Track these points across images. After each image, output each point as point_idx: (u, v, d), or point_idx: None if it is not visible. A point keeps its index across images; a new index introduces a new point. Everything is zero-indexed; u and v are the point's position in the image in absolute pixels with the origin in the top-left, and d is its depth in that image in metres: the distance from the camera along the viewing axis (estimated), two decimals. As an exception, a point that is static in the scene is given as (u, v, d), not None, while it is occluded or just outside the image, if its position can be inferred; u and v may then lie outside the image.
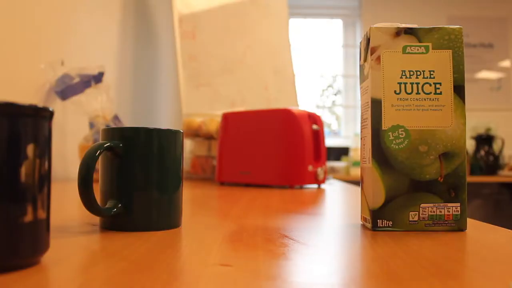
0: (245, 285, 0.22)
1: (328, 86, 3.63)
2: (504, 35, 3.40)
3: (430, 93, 0.40)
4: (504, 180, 2.83)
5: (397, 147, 0.40)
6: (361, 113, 0.44)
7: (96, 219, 0.43)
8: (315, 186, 1.08)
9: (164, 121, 2.28)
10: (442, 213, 0.40)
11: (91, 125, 1.08)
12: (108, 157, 0.38)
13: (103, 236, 0.35)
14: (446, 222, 0.40)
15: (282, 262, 0.27)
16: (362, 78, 0.43)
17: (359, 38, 3.47)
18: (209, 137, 1.33)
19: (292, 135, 1.00)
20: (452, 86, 0.40)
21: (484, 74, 3.40)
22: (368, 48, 0.41)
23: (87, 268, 0.25)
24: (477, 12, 3.41)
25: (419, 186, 0.40)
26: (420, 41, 0.41)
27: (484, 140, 2.91)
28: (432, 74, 0.40)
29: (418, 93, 0.40)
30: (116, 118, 1.11)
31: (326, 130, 3.48)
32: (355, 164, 2.86)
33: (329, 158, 3.01)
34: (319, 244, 0.34)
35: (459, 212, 0.40)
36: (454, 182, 0.40)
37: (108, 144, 0.37)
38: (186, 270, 0.25)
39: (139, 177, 0.38)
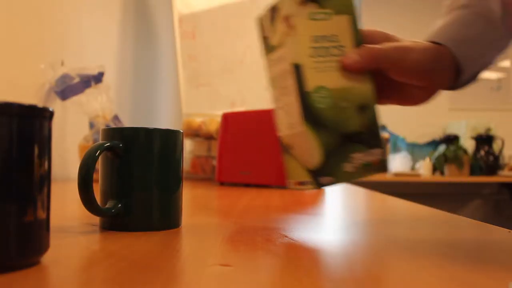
0: (245, 285, 0.22)
1: (328, 86, 3.63)
2: (504, 35, 3.40)
3: (336, 55, 0.43)
4: (504, 180, 2.83)
5: (323, 106, 0.42)
6: (275, 83, 0.45)
7: (96, 219, 0.43)
8: (315, 186, 1.08)
9: (164, 121, 2.28)
10: (370, 159, 0.43)
11: (91, 125, 1.08)
12: (108, 157, 0.38)
13: (103, 236, 0.35)
14: (375, 167, 0.44)
15: (282, 262, 0.27)
16: (269, 49, 0.45)
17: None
18: (209, 137, 1.33)
19: (292, 135, 0.99)
20: (354, 47, 0.44)
21: (484, 74, 3.39)
22: (274, 18, 0.43)
23: (87, 268, 0.25)
24: (477, 12, 3.41)
25: (347, 139, 0.43)
26: (323, 8, 0.43)
27: (484, 140, 2.91)
28: (336, 38, 0.43)
29: (328, 55, 0.43)
30: (116, 118, 1.11)
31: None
32: (355, 164, 2.85)
33: (329, 158, 3.01)
34: (319, 244, 0.34)
35: (382, 158, 0.44)
36: (372, 130, 0.44)
37: (108, 144, 0.37)
38: (186, 270, 0.25)
39: (139, 177, 0.38)
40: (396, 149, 3.16)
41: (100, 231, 0.37)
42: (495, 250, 0.33)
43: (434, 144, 3.19)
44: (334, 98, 0.42)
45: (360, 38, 0.44)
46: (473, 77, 0.53)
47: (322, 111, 0.42)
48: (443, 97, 3.33)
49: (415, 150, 3.22)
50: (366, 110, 0.44)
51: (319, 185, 0.42)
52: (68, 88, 1.02)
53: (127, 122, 1.67)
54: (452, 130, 3.17)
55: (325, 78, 0.42)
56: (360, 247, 0.33)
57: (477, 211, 3.22)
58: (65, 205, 0.57)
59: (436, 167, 2.91)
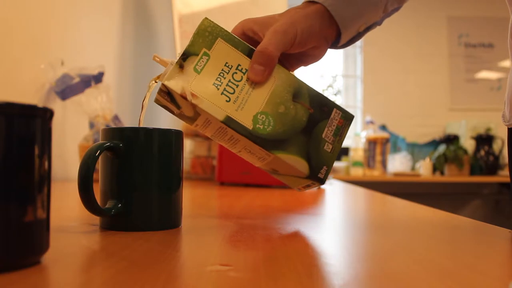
0: (245, 285, 0.22)
1: (328, 86, 3.63)
2: (504, 35, 3.38)
3: (242, 78, 0.43)
4: (504, 180, 2.82)
5: (271, 127, 0.43)
6: (219, 138, 0.45)
7: (96, 219, 0.43)
8: (315, 186, 1.08)
9: (164, 121, 2.28)
10: (335, 124, 0.45)
11: (91, 125, 1.08)
12: (108, 157, 0.38)
13: (103, 236, 0.35)
14: (343, 125, 0.45)
15: (282, 262, 0.27)
16: (191, 121, 0.44)
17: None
18: (209, 137, 1.33)
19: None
20: (246, 57, 0.44)
21: (484, 74, 3.39)
22: (175, 98, 0.42)
23: (87, 268, 0.25)
24: (477, 12, 3.41)
25: (308, 129, 0.44)
26: (197, 54, 0.43)
27: (484, 140, 2.91)
28: (229, 65, 0.43)
29: (237, 86, 0.43)
30: (116, 118, 1.11)
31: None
32: (355, 164, 2.86)
33: (329, 158, 3.01)
34: (319, 244, 0.34)
35: (341, 113, 0.46)
36: (318, 102, 0.45)
37: (108, 144, 0.37)
38: (186, 270, 0.25)
39: (139, 177, 0.38)
40: (396, 149, 3.16)
41: (100, 231, 0.37)
42: (495, 250, 0.33)
43: (434, 144, 3.19)
44: (271, 111, 0.43)
45: (245, 46, 0.44)
46: (358, 35, 0.54)
47: (273, 132, 0.42)
48: (443, 97, 3.33)
49: (415, 150, 3.22)
50: (299, 93, 0.44)
51: (322, 181, 0.43)
52: (68, 88, 1.02)
53: (127, 122, 1.67)
54: (452, 130, 3.17)
55: (252, 106, 0.42)
56: (360, 247, 0.33)
57: (477, 211, 3.22)
58: (65, 205, 0.57)
59: (436, 167, 2.91)
